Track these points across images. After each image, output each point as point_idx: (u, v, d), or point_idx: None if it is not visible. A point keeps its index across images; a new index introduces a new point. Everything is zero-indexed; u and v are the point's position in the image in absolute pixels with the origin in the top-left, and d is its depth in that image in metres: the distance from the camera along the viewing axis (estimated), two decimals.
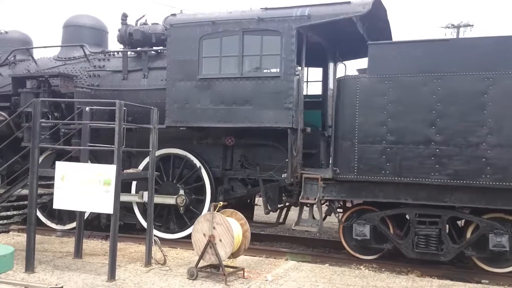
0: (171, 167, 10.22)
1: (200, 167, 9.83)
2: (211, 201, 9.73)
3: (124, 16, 10.59)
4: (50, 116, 10.33)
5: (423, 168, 7.69)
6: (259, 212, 11.85)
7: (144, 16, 10.96)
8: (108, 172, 6.75)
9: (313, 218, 8.69)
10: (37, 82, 10.40)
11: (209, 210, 8.06)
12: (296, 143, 8.77)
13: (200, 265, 6.93)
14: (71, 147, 9.30)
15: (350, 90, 8.08)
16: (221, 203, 7.15)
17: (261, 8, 8.98)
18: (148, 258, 7.62)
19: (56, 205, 7.06)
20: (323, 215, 8.81)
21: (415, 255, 8.09)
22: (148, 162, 10.15)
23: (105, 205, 6.76)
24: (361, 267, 8.32)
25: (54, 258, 7.96)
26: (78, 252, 8.02)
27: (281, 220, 9.94)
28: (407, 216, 8.79)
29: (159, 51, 10.53)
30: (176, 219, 10.18)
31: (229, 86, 8.99)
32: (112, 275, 6.77)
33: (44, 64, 11.56)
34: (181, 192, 9.86)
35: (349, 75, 8.32)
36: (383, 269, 8.18)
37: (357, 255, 8.64)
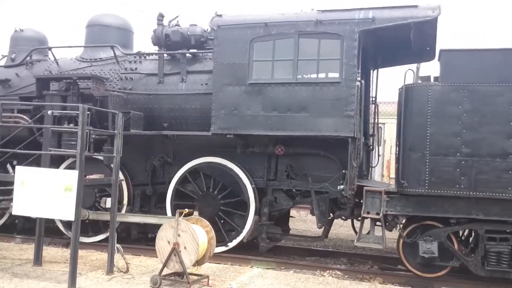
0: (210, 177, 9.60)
1: (242, 178, 9.24)
2: (255, 213, 9.17)
3: (161, 16, 9.94)
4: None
5: (500, 183, 7.30)
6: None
7: (177, 17, 10.35)
8: (69, 177, 6.58)
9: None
10: (65, 84, 9.64)
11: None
12: (355, 153, 8.28)
13: (163, 273, 6.79)
14: (33, 151, 8.57)
15: (420, 99, 7.64)
16: (187, 210, 6.96)
17: (317, 10, 8.48)
18: (110, 266, 7.42)
19: (15, 211, 6.87)
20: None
21: (485, 273, 7.68)
22: (183, 173, 9.63)
23: (66, 211, 6.57)
24: (325, 274, 8.26)
25: (12, 265, 7.71)
26: (38, 260, 7.78)
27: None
28: (461, 232, 8.43)
29: (196, 54, 9.94)
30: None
31: (282, 92, 8.45)
32: (72, 283, 6.57)
33: (67, 65, 10.82)
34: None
35: (419, 83, 7.88)
36: (346, 276, 8.16)
37: (419, 273, 8.14)
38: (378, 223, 8.16)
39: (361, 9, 8.24)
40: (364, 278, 8.11)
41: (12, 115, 9.96)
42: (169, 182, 9.73)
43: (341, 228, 13.17)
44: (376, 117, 10.53)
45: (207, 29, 9.91)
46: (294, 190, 9.13)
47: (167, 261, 6.67)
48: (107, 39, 10.71)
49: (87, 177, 7.65)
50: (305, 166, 9.09)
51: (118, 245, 7.55)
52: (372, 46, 9.78)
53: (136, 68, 10.18)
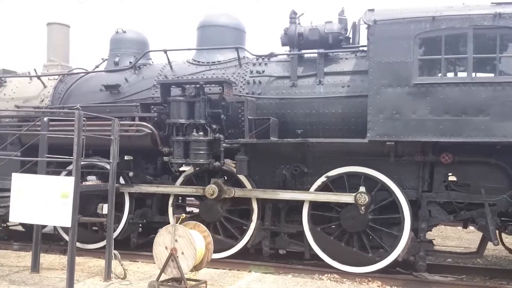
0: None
1: (395, 190, 8.35)
2: (410, 229, 8.26)
3: (294, 14, 9.12)
4: (208, 128, 8.80)
5: None
6: None
7: (302, 14, 9.53)
8: (66, 184, 6.63)
9: None
10: (194, 90, 8.82)
11: None
12: None
13: (161, 278, 6.76)
14: (33, 158, 8.27)
15: None
16: (184, 215, 6.83)
17: (491, 3, 7.61)
18: (107, 272, 7.44)
19: (13, 218, 6.97)
20: None
21: None
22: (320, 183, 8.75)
23: (62, 218, 6.60)
24: (323, 277, 8.15)
25: (10, 272, 7.73)
26: (35, 267, 7.80)
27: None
28: None
29: (328, 53, 9.10)
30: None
31: (456, 92, 7.53)
32: None
33: (182, 69, 10.03)
34: (362, 189, 8.36)
35: None
36: (344, 280, 8.06)
37: None
38: None
39: None
40: (363, 281, 8.02)
41: (133, 123, 9.19)
42: None
43: None
44: None
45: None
46: (454, 203, 8.23)
47: (164, 266, 6.66)
48: (223, 40, 9.93)
49: (83, 183, 7.73)
50: (468, 176, 8.18)
51: (116, 252, 7.53)
52: None
53: (263, 71, 9.35)
